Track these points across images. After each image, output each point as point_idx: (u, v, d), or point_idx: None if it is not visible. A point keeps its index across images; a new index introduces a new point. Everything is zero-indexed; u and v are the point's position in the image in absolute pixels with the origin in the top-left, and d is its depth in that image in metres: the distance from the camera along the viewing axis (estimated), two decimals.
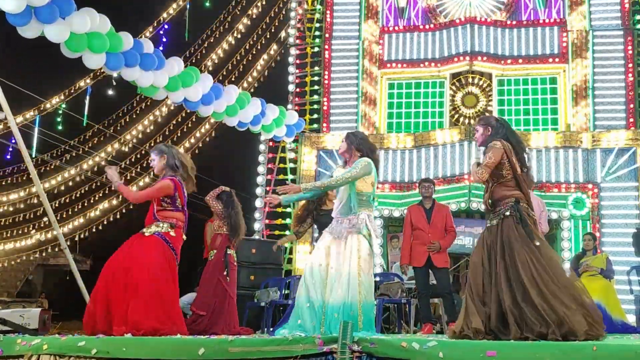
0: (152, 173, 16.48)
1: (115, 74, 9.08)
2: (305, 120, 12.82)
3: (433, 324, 7.52)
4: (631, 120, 12.61)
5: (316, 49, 14.31)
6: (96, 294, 5.23)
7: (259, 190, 13.56)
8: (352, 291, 4.79)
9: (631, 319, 9.36)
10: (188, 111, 16.01)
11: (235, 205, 7.08)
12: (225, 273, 6.77)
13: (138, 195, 5.57)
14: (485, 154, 4.75)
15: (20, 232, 18.58)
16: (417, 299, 7.85)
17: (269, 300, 8.62)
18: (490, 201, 4.76)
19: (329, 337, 4.06)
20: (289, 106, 13.58)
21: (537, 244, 4.53)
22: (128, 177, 17.35)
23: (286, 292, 9.17)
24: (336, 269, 4.90)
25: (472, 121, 13.14)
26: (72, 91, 16.27)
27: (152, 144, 16.58)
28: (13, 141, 15.78)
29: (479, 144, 4.99)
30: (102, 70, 14.64)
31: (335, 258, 4.94)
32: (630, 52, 12.92)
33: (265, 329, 8.46)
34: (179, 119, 16.78)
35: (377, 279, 9.09)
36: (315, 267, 4.96)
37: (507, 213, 4.63)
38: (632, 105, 12.70)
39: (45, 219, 17.74)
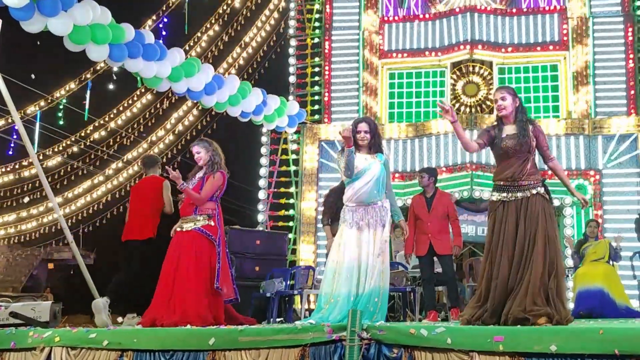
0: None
1: (116, 68, 9.11)
2: (306, 111, 12.84)
3: (437, 312, 7.57)
4: (632, 106, 12.61)
5: (316, 40, 14.30)
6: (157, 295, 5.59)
7: (261, 182, 13.60)
8: (379, 279, 4.94)
9: (635, 304, 9.42)
10: (189, 104, 16.07)
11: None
12: None
13: (203, 195, 5.73)
14: (537, 135, 4.70)
15: (24, 227, 18.64)
16: (421, 287, 7.90)
17: (274, 291, 8.67)
18: (520, 174, 4.63)
19: (338, 325, 4.11)
20: (290, 98, 13.57)
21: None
22: (130, 171, 17.38)
23: (291, 282, 9.21)
24: (365, 259, 4.97)
25: (473, 110, 13.15)
26: (73, 86, 16.28)
27: (155, 137, 16.62)
28: (15, 137, 15.81)
29: (506, 112, 4.73)
30: (102, 64, 14.67)
31: (362, 248, 4.98)
32: (630, 38, 12.89)
33: (272, 320, 8.51)
34: (180, 112, 16.78)
35: None
36: (346, 261, 4.99)
37: (541, 190, 4.62)
38: (632, 92, 12.69)
39: (49, 215, 17.81)
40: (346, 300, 4.85)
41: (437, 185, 7.75)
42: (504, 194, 4.64)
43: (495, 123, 4.85)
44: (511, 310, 4.39)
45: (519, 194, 4.60)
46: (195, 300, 5.39)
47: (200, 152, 5.85)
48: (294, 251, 12.89)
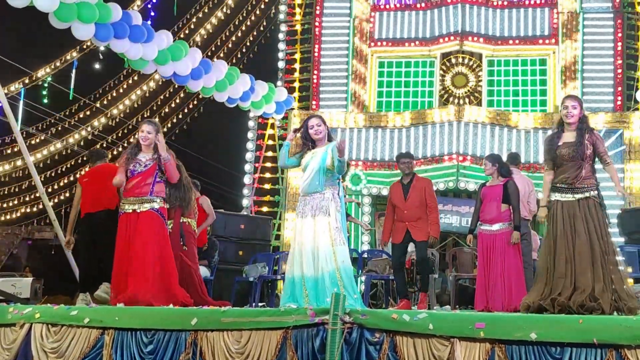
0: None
1: (102, 47, 8.98)
2: (294, 97, 12.78)
3: (409, 300, 7.43)
4: (619, 102, 12.73)
5: (306, 26, 14.23)
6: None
7: (247, 167, 13.57)
8: (328, 263, 5.07)
9: None
10: (176, 86, 15.92)
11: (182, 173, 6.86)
12: (181, 242, 6.63)
13: (176, 175, 5.72)
14: (595, 142, 5.15)
15: (5, 205, 18.44)
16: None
17: (257, 275, 8.66)
18: (575, 178, 5.09)
19: (320, 309, 4.11)
20: (279, 83, 13.53)
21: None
22: (114, 152, 17.22)
23: (275, 267, 9.21)
24: (307, 244, 5.19)
25: (461, 101, 13.18)
26: (59, 64, 16.06)
27: (140, 119, 16.44)
28: None
29: (573, 120, 5.18)
30: (89, 43, 14.48)
31: (304, 235, 5.21)
32: (619, 35, 12.98)
33: (254, 304, 8.52)
34: (167, 94, 16.62)
35: (365, 255, 9.17)
36: (295, 247, 5.30)
37: (594, 193, 5.08)
38: (619, 88, 12.80)
39: (31, 194, 17.63)
40: (290, 281, 5.17)
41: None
42: (560, 194, 5.15)
43: (556, 129, 5.30)
44: (577, 301, 4.64)
45: (576, 196, 5.09)
46: (170, 282, 5.39)
47: (151, 133, 5.61)
48: (278, 237, 12.89)
